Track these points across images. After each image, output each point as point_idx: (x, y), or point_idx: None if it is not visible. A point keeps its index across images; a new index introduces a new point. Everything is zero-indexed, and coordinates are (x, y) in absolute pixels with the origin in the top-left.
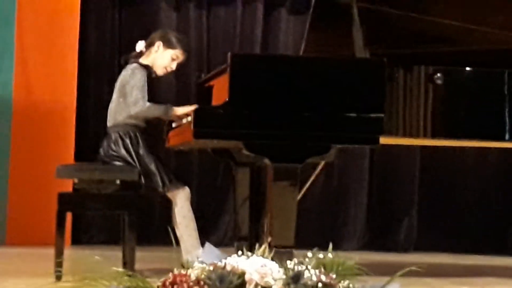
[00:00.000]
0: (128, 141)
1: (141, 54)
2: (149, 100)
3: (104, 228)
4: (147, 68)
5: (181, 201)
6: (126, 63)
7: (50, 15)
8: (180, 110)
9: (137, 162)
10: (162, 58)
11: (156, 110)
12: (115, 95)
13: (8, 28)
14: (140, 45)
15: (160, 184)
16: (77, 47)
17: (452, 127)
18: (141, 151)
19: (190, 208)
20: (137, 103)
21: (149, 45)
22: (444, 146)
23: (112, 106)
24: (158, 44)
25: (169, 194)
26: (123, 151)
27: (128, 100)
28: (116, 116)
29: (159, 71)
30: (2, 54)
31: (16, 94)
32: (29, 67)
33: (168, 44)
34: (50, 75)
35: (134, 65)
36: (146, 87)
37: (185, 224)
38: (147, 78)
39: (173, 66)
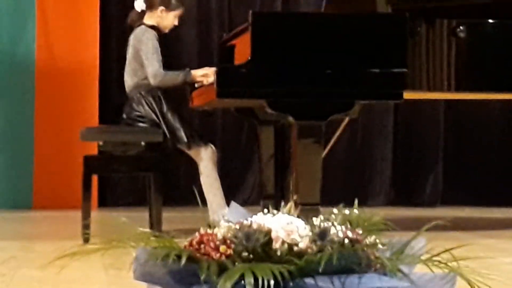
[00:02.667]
0: (151, 99)
1: (142, 13)
2: (164, 61)
3: (130, 190)
4: (155, 29)
5: (204, 160)
6: (131, 25)
7: None
8: (199, 72)
9: (161, 120)
10: (166, 20)
11: (175, 79)
12: (129, 58)
13: None
14: (140, 4)
15: (185, 140)
16: (98, 7)
17: (476, 80)
18: (165, 109)
19: (214, 167)
20: (155, 75)
21: (150, 7)
22: (468, 100)
23: (128, 69)
24: (161, 9)
25: (192, 153)
26: (147, 110)
27: (146, 69)
28: (134, 79)
29: (166, 30)
30: (24, 16)
31: (39, 56)
32: (50, 28)
33: (170, 8)
34: (72, 36)
35: (143, 27)
36: (159, 52)
37: (209, 183)
38: (158, 40)
39: (176, 22)
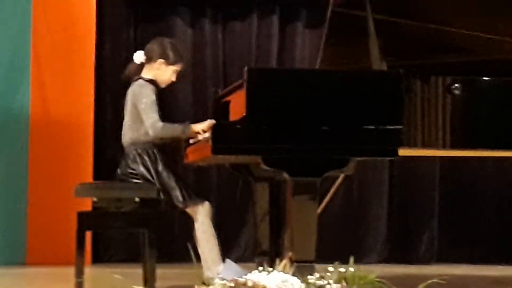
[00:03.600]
0: (146, 158)
1: (141, 66)
2: (161, 115)
3: (124, 246)
4: (153, 83)
5: (202, 217)
6: (128, 77)
7: (66, 32)
8: (197, 127)
9: (156, 179)
10: (165, 74)
11: (174, 131)
12: (127, 114)
13: (24, 45)
14: (139, 56)
15: (181, 199)
16: (93, 63)
17: (471, 138)
18: (160, 168)
19: (211, 224)
20: (154, 126)
21: (149, 60)
22: (463, 157)
23: (126, 124)
24: (160, 62)
25: (189, 210)
26: (141, 169)
27: (145, 122)
28: (131, 134)
29: (163, 85)
30: (19, 70)
31: (34, 111)
32: (46, 84)
33: (168, 61)
34: (67, 92)
35: (141, 82)
36: (157, 105)
37: (206, 239)
38: (156, 94)
39: (174, 78)
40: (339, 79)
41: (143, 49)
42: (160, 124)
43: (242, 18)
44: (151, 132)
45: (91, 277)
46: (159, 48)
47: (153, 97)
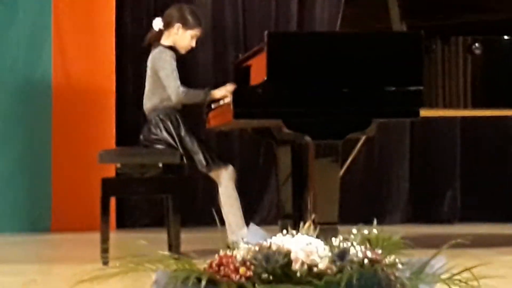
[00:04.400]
0: (169, 123)
1: (160, 33)
2: (182, 80)
3: (148, 211)
4: (172, 49)
5: (225, 181)
6: (149, 44)
7: (86, 0)
8: (218, 93)
9: (179, 144)
10: (183, 39)
11: (195, 97)
12: (148, 81)
13: (45, 13)
14: (158, 23)
15: (204, 163)
16: (113, 29)
17: (492, 97)
18: (183, 133)
19: (234, 187)
20: (177, 92)
21: (167, 25)
22: (484, 116)
23: (147, 90)
24: (178, 26)
25: (213, 174)
26: (164, 134)
27: (167, 88)
28: (153, 101)
29: (182, 51)
30: (40, 40)
31: (55, 79)
32: (67, 52)
33: (187, 25)
34: (88, 59)
35: (160, 48)
36: (177, 71)
37: (230, 203)
38: (175, 60)
39: (193, 43)
40: (359, 41)
41: (162, 16)
42: (182, 90)
43: None
44: (173, 99)
45: (115, 242)
46: (177, 13)
47: (173, 63)
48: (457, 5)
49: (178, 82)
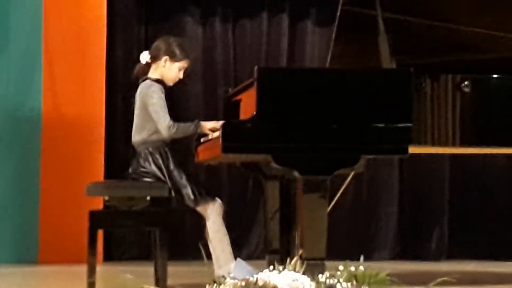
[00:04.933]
0: (158, 156)
1: (148, 66)
2: (171, 114)
3: (135, 244)
4: (160, 83)
5: (213, 215)
6: (136, 78)
7: (77, 32)
8: (208, 125)
9: (167, 177)
10: (170, 71)
11: (185, 131)
12: (137, 113)
13: (35, 44)
14: (145, 56)
15: (192, 197)
16: (104, 63)
17: (480, 135)
18: (171, 166)
19: (223, 222)
20: (168, 128)
21: (154, 58)
22: (473, 154)
23: (136, 124)
24: (165, 59)
25: (201, 209)
26: (153, 167)
27: (157, 124)
28: (142, 134)
29: (170, 83)
30: (30, 71)
31: (45, 111)
32: (57, 84)
33: (174, 58)
34: (79, 92)
35: (148, 82)
36: (165, 104)
37: (218, 238)
38: (164, 93)
39: (180, 75)
40: (349, 78)
41: (149, 49)
42: (172, 124)
43: (252, 16)
44: (165, 134)
45: (102, 275)
46: (164, 46)
47: (162, 96)
48: (447, 43)
49: (167, 117)
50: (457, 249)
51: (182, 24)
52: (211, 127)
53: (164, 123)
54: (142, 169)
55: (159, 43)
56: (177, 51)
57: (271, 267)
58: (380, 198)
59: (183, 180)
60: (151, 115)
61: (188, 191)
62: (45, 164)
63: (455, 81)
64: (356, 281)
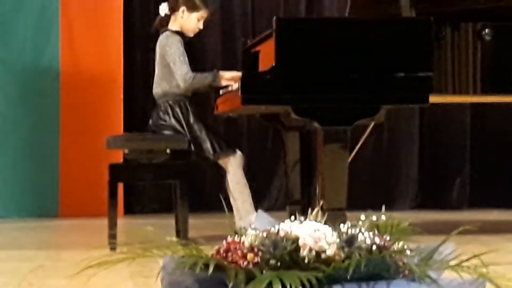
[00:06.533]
0: (177, 110)
1: (167, 18)
2: (191, 64)
3: (156, 197)
4: (179, 34)
5: (234, 168)
6: (156, 30)
7: None
8: (227, 75)
9: (187, 131)
10: (189, 22)
11: (204, 80)
12: (157, 67)
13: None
14: (164, 8)
15: (211, 151)
16: (121, 16)
17: (501, 82)
18: (191, 120)
19: (243, 174)
20: (184, 78)
21: (173, 9)
22: (494, 103)
23: (156, 76)
24: (183, 9)
25: (221, 161)
26: (173, 121)
27: (175, 74)
28: (162, 86)
29: (189, 34)
30: (48, 25)
31: (64, 66)
32: (75, 38)
33: (192, 8)
34: (96, 45)
35: (167, 33)
36: (185, 55)
37: (239, 190)
38: (183, 44)
39: (200, 25)
40: (369, 27)
41: (167, 1)
42: (190, 75)
43: None
44: (182, 84)
45: (123, 228)
46: None
47: (181, 48)
48: None
49: (186, 67)
50: (478, 198)
51: None
52: (230, 77)
53: (181, 73)
54: (162, 122)
55: None
56: (195, 1)
57: (292, 217)
58: (401, 148)
59: (203, 134)
60: (170, 67)
61: (208, 145)
62: (64, 118)
63: (475, 29)
64: (378, 231)
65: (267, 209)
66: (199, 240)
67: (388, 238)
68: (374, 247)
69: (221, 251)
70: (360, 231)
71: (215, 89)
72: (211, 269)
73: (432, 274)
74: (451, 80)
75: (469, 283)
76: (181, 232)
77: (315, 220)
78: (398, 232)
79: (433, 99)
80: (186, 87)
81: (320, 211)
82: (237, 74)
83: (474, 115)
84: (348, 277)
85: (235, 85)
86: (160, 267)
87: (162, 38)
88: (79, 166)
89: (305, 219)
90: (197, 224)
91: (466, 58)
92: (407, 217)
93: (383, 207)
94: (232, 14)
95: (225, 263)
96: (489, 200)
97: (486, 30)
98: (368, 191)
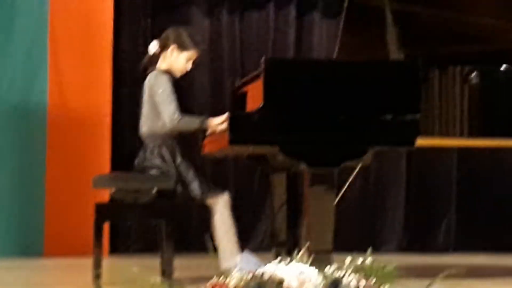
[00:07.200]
0: (164, 150)
1: (156, 56)
2: (179, 105)
3: (141, 237)
4: (168, 73)
5: (221, 208)
6: (145, 68)
7: (83, 23)
8: (215, 121)
9: (174, 172)
10: (178, 61)
11: (191, 124)
12: (145, 106)
13: (41, 36)
14: (154, 46)
15: (199, 192)
16: (111, 54)
17: (488, 126)
18: (178, 160)
19: (230, 214)
20: (171, 119)
21: (163, 47)
22: (481, 147)
23: (144, 115)
24: (172, 48)
25: (208, 202)
26: (159, 161)
27: (162, 114)
28: (149, 126)
29: (178, 74)
30: (37, 63)
31: (51, 103)
32: (63, 75)
33: (181, 47)
34: (85, 84)
35: (156, 73)
36: (174, 96)
37: (225, 230)
38: (172, 84)
39: (189, 66)
40: (357, 69)
41: (157, 39)
42: (177, 116)
43: (260, 7)
44: (168, 125)
45: (108, 268)
46: (172, 35)
47: (169, 88)
48: (455, 34)
49: (173, 108)
50: (464, 241)
51: (189, 15)
52: (218, 122)
53: (168, 114)
54: (149, 163)
55: (168, 33)
56: (186, 40)
57: (278, 259)
58: (387, 190)
59: (190, 174)
60: (157, 106)
61: (195, 185)
62: (51, 156)
63: (463, 72)
64: (364, 273)
65: (253, 250)
66: (184, 280)
67: (373, 281)
68: None
69: None
70: (345, 273)
71: (204, 129)
72: None
73: None
74: (438, 123)
75: None
76: (166, 272)
77: (301, 262)
78: (383, 275)
79: (420, 142)
80: (172, 128)
81: (306, 253)
82: (226, 118)
83: (461, 158)
84: None
85: (223, 126)
86: None
87: (151, 77)
88: (65, 204)
89: (290, 261)
90: (182, 264)
91: (453, 101)
92: (393, 260)
93: (369, 250)
94: (220, 54)
95: None
96: (475, 244)
97: (473, 74)
98: (354, 233)
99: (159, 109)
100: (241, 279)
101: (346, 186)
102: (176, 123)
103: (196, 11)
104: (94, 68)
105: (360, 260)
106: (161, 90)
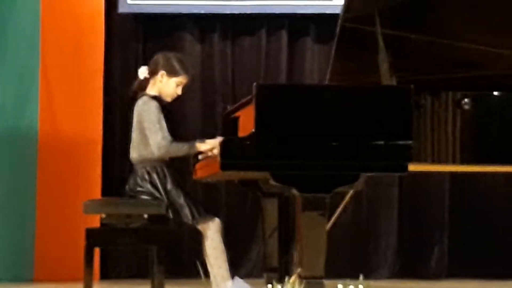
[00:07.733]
0: (155, 176)
1: (146, 82)
2: (169, 129)
3: (132, 262)
4: (157, 99)
5: (212, 233)
6: (135, 94)
7: (75, 49)
8: (203, 147)
9: (165, 197)
10: (168, 87)
11: (180, 150)
12: (134, 132)
13: (32, 61)
14: (143, 71)
15: (190, 217)
16: (102, 80)
17: (481, 152)
18: (169, 186)
19: (221, 240)
20: (158, 147)
21: (152, 72)
22: (473, 172)
23: (133, 141)
24: (162, 74)
25: (200, 227)
26: (150, 187)
27: (150, 141)
28: (139, 151)
29: (168, 99)
30: (27, 88)
31: (42, 128)
32: (54, 101)
33: (171, 72)
34: (76, 109)
35: (144, 99)
36: (163, 121)
37: (216, 255)
38: (161, 109)
39: (179, 91)
40: (349, 95)
41: (147, 65)
42: (165, 143)
43: (251, 33)
44: (156, 152)
45: None
46: (162, 60)
47: (157, 114)
48: (447, 60)
49: (161, 135)
50: (457, 267)
51: (180, 40)
52: (207, 148)
53: (155, 141)
54: (139, 188)
55: (157, 58)
56: (175, 66)
57: (269, 285)
58: (380, 216)
59: (180, 200)
60: (146, 132)
61: (186, 210)
62: (41, 181)
63: (455, 98)
64: None
65: (245, 276)
66: None
67: None
68: None
69: None
70: None
71: (193, 154)
72: None
73: None
74: (431, 149)
75: None
76: None
77: None
78: None
79: (412, 167)
80: (160, 156)
81: (297, 279)
82: (215, 142)
83: (453, 184)
84: None
85: (214, 151)
86: None
87: (140, 103)
88: (55, 230)
89: (282, 287)
90: None
91: (445, 127)
92: (385, 286)
93: (361, 276)
94: (212, 79)
95: None
96: (468, 270)
97: (466, 100)
98: (346, 259)
99: (147, 135)
100: None
101: (338, 212)
102: (163, 151)
103: (188, 36)
104: (85, 93)
105: (352, 286)
106: (149, 117)
